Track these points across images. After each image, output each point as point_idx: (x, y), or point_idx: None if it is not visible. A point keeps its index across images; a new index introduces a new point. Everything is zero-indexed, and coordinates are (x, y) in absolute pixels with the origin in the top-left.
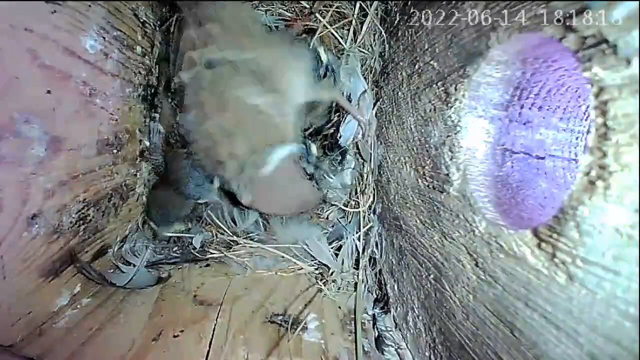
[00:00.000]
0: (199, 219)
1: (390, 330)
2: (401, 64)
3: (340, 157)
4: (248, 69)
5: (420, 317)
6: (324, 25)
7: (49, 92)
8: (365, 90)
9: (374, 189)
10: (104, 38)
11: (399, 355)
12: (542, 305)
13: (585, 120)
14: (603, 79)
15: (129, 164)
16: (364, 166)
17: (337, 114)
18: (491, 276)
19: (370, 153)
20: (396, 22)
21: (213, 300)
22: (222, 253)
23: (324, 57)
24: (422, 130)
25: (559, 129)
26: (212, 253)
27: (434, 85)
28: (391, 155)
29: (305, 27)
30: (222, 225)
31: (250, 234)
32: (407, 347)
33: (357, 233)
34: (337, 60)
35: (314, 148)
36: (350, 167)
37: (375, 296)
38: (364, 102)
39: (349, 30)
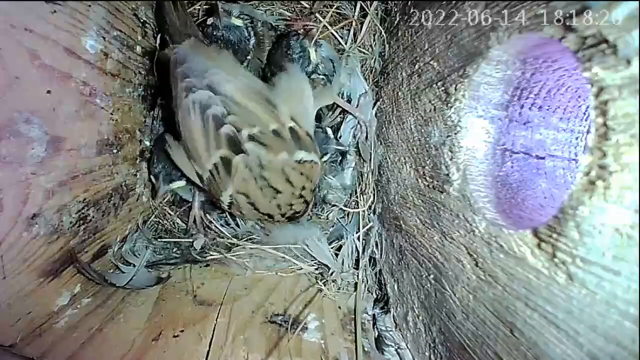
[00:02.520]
0: None
1: (390, 330)
2: (401, 64)
3: (340, 157)
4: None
5: (420, 317)
6: (324, 26)
7: (49, 92)
8: (365, 92)
9: (374, 189)
10: (104, 38)
11: (399, 355)
12: (542, 305)
13: (585, 120)
14: (603, 79)
15: (129, 164)
16: (364, 166)
17: (339, 114)
18: (491, 276)
19: (371, 153)
20: (396, 22)
21: (213, 300)
22: (222, 254)
23: (313, 56)
24: (422, 130)
25: (559, 129)
26: (212, 254)
27: (434, 85)
28: (391, 155)
29: (306, 27)
30: (222, 230)
31: (251, 236)
32: (407, 347)
33: (357, 233)
34: (336, 55)
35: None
36: (351, 167)
37: (375, 296)
38: (364, 102)
39: (349, 30)
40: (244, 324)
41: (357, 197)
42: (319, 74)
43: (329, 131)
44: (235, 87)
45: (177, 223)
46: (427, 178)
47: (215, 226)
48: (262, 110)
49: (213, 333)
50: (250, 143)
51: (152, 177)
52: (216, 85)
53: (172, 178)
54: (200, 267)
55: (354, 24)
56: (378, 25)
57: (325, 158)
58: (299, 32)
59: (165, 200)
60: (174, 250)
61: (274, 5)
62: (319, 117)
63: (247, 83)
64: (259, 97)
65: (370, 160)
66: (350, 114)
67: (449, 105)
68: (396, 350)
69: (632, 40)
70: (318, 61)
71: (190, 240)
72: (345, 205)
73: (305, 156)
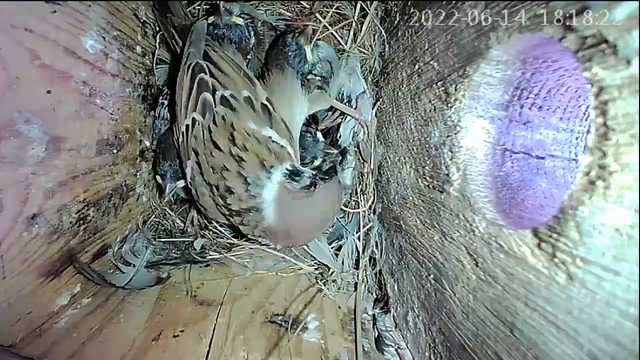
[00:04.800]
0: None
1: (390, 330)
2: (401, 64)
3: (340, 157)
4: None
5: (420, 317)
6: (324, 26)
7: (49, 92)
8: (364, 91)
9: (374, 189)
10: (104, 38)
11: (399, 355)
12: (542, 305)
13: (585, 120)
14: (603, 79)
15: (129, 164)
16: (364, 166)
17: (338, 115)
18: (491, 276)
19: (371, 153)
20: (396, 22)
21: (213, 300)
22: (222, 254)
23: (309, 55)
24: (422, 130)
25: (559, 129)
26: (212, 254)
27: (434, 85)
28: (391, 155)
29: (305, 27)
30: (222, 230)
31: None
32: (407, 347)
33: (357, 233)
34: (335, 56)
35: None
36: (351, 167)
37: (375, 296)
38: (363, 102)
39: (349, 30)
40: (244, 324)
41: (357, 197)
42: (316, 75)
43: (319, 135)
44: (221, 57)
45: (177, 223)
46: (427, 178)
47: (214, 226)
48: (240, 79)
49: (213, 333)
50: (220, 106)
51: (158, 176)
52: (206, 53)
53: (178, 176)
54: (200, 267)
55: (354, 24)
56: (378, 25)
57: (316, 163)
58: (296, 30)
59: (165, 200)
60: (174, 250)
61: (274, 5)
62: (315, 120)
63: (234, 60)
64: (241, 71)
65: (370, 160)
66: (348, 114)
67: (449, 105)
68: (396, 350)
69: (632, 40)
70: (315, 61)
71: (190, 239)
72: (345, 205)
73: (275, 137)
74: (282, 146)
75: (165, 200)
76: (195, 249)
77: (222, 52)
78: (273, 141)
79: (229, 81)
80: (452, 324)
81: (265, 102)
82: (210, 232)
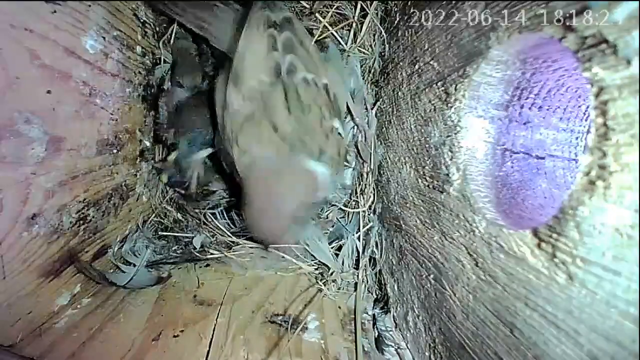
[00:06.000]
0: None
1: (390, 330)
2: (401, 64)
3: None
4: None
5: (420, 317)
6: (325, 26)
7: (49, 92)
8: (353, 90)
9: (374, 189)
10: (104, 38)
11: (399, 355)
12: (542, 305)
13: (585, 120)
14: (603, 79)
15: (129, 164)
16: (364, 166)
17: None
18: (491, 276)
19: (371, 153)
20: (396, 22)
21: (213, 300)
22: (222, 253)
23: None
24: (422, 130)
25: (559, 129)
26: (212, 253)
27: (434, 85)
28: (391, 155)
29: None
30: (221, 226)
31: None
32: (407, 347)
33: (357, 233)
34: (339, 56)
35: None
36: (351, 167)
37: (375, 296)
38: (358, 100)
39: (349, 30)
40: (244, 324)
41: (357, 197)
42: None
43: None
44: (304, 32)
45: (179, 218)
46: (427, 178)
47: (212, 220)
48: (319, 61)
49: (213, 333)
50: (301, 89)
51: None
52: (291, 25)
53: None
54: (200, 267)
55: (354, 24)
56: (378, 25)
57: None
58: None
59: (165, 200)
60: (174, 249)
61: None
62: None
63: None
64: (320, 55)
65: (370, 160)
66: (350, 114)
67: (449, 105)
68: (396, 350)
69: (632, 40)
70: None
71: (190, 235)
72: (345, 205)
73: (339, 127)
74: (342, 137)
75: (163, 201)
76: (195, 247)
77: (302, 25)
78: (337, 131)
79: (311, 64)
80: (452, 324)
81: (335, 91)
82: (209, 229)
